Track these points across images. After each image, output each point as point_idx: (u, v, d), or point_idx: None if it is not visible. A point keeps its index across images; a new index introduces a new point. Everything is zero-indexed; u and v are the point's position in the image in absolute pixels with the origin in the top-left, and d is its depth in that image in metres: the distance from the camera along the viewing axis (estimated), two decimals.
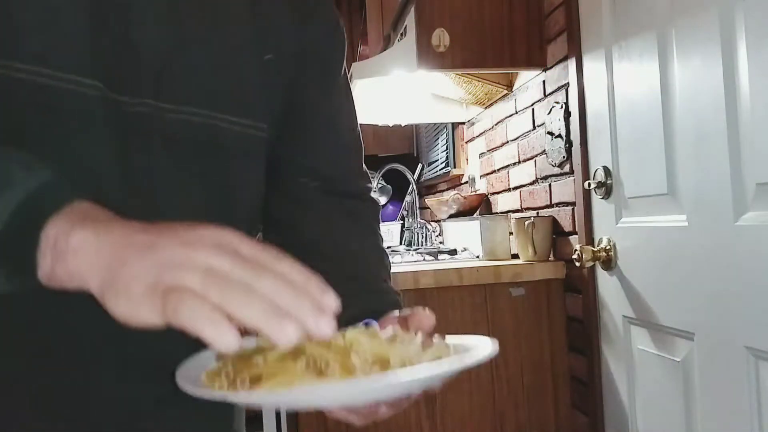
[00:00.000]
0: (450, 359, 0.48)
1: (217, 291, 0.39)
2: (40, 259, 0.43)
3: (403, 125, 2.89)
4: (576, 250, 1.47)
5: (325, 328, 0.39)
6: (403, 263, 1.97)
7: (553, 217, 1.73)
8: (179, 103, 0.63)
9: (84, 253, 0.42)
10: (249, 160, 0.71)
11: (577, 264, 1.48)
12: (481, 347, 0.50)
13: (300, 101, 0.76)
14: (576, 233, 1.60)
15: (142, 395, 0.64)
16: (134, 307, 0.40)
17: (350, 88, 0.84)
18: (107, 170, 0.60)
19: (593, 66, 1.50)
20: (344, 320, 0.65)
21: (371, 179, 0.87)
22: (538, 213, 1.83)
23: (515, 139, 2.00)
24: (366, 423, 0.53)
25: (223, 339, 0.37)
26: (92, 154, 0.59)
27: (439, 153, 3.05)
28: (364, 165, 0.85)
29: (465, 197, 2.31)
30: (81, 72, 0.57)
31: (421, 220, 2.77)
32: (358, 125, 0.84)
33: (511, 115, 2.04)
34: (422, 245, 2.61)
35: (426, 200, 2.63)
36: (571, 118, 1.60)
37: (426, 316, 0.57)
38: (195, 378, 0.48)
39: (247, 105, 0.69)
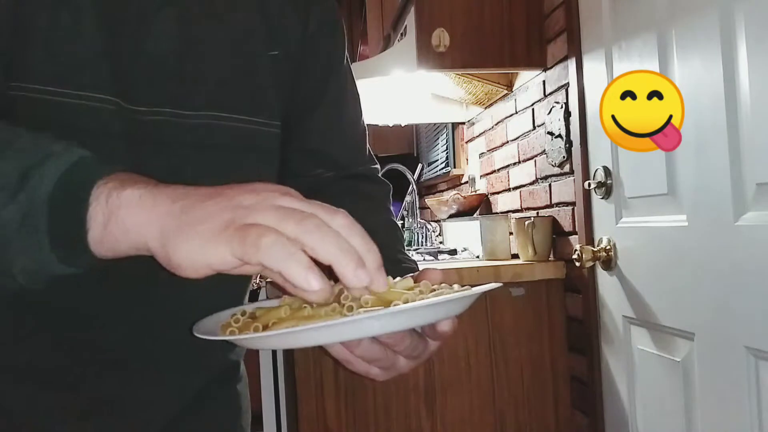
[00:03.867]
0: (444, 295, 0.47)
1: (294, 225, 0.38)
2: (90, 221, 0.41)
3: (403, 125, 2.89)
4: (576, 250, 1.47)
5: (383, 282, 0.40)
6: None
7: (553, 217, 1.73)
8: (197, 108, 0.64)
9: (138, 206, 0.40)
10: (265, 155, 0.72)
11: (577, 264, 1.48)
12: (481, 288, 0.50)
13: (306, 91, 0.78)
14: (576, 233, 1.60)
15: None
16: (205, 246, 0.38)
17: (353, 77, 0.88)
18: None
19: (593, 66, 1.50)
20: None
21: (377, 162, 0.90)
22: (538, 213, 1.83)
23: (515, 139, 2.00)
24: (388, 377, 0.51)
25: (309, 281, 0.37)
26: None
27: (439, 153, 3.05)
28: (369, 148, 0.89)
29: (465, 197, 2.31)
30: (97, 89, 0.58)
31: (421, 220, 2.76)
32: (362, 113, 0.89)
33: (511, 115, 2.04)
34: (422, 245, 2.61)
35: (426, 200, 2.63)
36: (571, 118, 1.60)
37: (434, 271, 0.56)
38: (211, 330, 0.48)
39: (260, 103, 0.71)
